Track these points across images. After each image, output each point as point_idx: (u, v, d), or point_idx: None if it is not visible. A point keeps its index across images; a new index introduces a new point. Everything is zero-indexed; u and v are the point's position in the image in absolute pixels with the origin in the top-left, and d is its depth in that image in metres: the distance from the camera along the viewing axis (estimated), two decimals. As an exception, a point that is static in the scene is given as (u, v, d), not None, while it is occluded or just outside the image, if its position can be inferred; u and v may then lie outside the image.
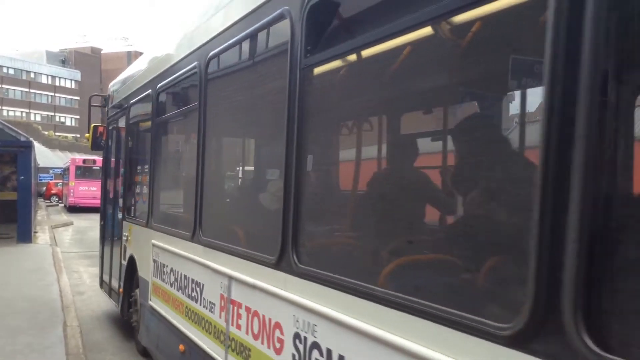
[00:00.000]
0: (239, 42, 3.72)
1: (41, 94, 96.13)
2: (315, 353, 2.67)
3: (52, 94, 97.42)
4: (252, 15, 3.49)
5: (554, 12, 1.56)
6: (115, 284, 7.72)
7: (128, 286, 6.96)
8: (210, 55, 4.15)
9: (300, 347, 2.80)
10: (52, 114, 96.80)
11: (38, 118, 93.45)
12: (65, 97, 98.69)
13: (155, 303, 5.55)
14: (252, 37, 3.56)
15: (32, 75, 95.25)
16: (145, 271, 6.02)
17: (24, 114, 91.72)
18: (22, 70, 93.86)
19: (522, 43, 1.99)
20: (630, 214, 1.63)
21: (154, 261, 5.58)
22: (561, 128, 1.53)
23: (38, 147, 41.78)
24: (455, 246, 2.27)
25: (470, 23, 2.07)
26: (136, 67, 7.09)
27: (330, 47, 2.81)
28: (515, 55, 2.00)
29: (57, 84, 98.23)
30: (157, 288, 5.51)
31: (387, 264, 2.49)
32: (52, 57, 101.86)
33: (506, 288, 1.90)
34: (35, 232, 17.92)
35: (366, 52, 2.63)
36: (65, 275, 10.92)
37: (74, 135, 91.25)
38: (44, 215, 26.93)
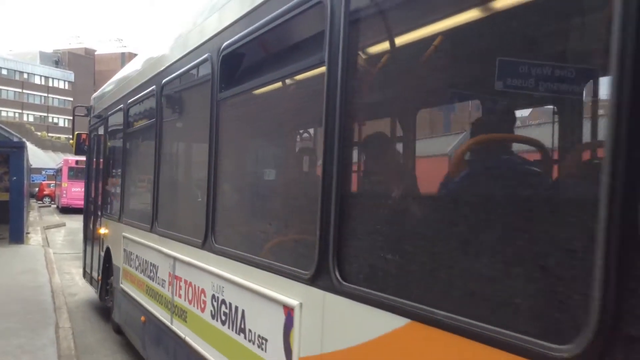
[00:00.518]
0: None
1: (34, 94, 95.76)
2: (223, 307, 3.69)
3: (45, 94, 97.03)
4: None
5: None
6: (95, 273, 8.72)
7: (105, 274, 7.96)
8: (164, 81, 5.19)
9: (215, 304, 3.82)
10: (45, 114, 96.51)
11: (31, 119, 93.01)
12: (58, 98, 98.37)
13: (125, 285, 6.56)
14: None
15: (25, 75, 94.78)
16: (117, 259, 7.03)
17: (16, 115, 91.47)
18: (15, 70, 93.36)
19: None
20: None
21: (124, 250, 6.59)
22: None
23: (31, 147, 41.20)
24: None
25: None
26: (111, 84, 8.10)
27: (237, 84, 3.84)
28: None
29: (51, 84, 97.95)
30: (126, 273, 6.52)
31: (270, 240, 3.52)
32: (45, 58, 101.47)
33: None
34: (28, 233, 17.75)
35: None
36: (58, 277, 10.97)
37: (67, 136, 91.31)
38: (37, 216, 26.78)
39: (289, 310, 2.85)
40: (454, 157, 2.42)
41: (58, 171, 37.81)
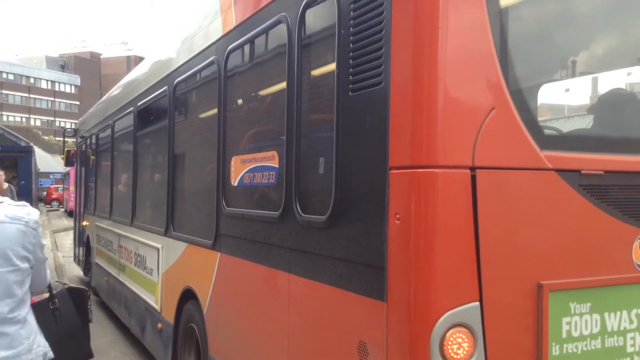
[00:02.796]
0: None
1: (41, 99, 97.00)
2: (138, 258, 6.44)
3: (52, 99, 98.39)
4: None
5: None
6: (81, 256, 11.52)
7: (87, 255, 10.75)
8: (139, 104, 7.94)
9: (135, 257, 6.57)
10: (52, 118, 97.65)
11: (38, 123, 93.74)
12: (65, 102, 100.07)
13: (97, 259, 9.33)
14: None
15: (32, 80, 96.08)
16: (93, 242, 9.80)
17: (24, 119, 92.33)
18: (21, 75, 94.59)
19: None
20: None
21: (96, 235, 9.36)
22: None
23: (38, 152, 41.09)
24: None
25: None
26: (90, 113, 10.89)
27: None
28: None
29: (57, 89, 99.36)
30: (98, 250, 9.28)
31: (154, 217, 6.24)
32: (51, 62, 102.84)
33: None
34: (37, 237, 18.93)
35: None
36: (67, 281, 10.85)
37: (74, 140, 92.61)
38: (45, 220, 26.19)
39: (157, 250, 5.59)
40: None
41: (66, 175, 35.84)
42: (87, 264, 10.83)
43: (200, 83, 4.93)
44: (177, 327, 5.04)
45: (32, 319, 2.54)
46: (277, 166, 3.28)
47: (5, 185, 8.85)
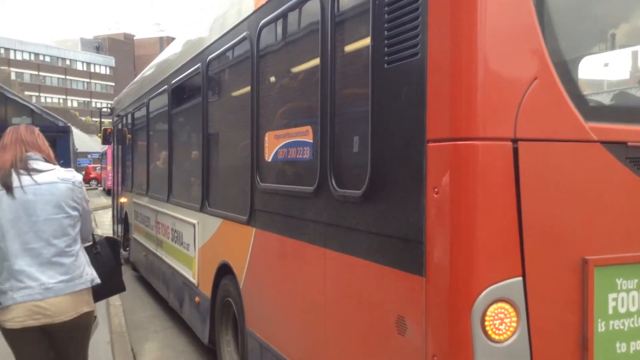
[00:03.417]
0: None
1: (77, 80, 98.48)
2: (175, 233, 6.53)
3: (88, 80, 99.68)
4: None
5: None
6: (120, 233, 11.77)
7: (125, 231, 10.97)
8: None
9: (172, 233, 6.67)
10: (89, 99, 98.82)
11: (75, 104, 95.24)
12: (100, 83, 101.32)
13: (135, 235, 9.52)
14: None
15: (68, 62, 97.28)
16: (131, 219, 10.00)
17: (61, 101, 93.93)
18: (58, 57, 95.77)
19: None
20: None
21: (134, 211, 9.53)
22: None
23: (76, 132, 41.54)
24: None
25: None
26: (125, 92, 11.02)
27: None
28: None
29: (92, 70, 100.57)
30: (136, 226, 9.46)
31: (190, 194, 6.30)
32: (86, 44, 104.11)
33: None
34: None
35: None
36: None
37: (110, 120, 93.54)
38: None
39: (193, 225, 5.66)
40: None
41: (103, 155, 37.61)
42: (125, 239, 11.08)
43: (233, 60, 4.92)
44: (214, 300, 5.11)
45: (82, 255, 3.28)
46: (312, 141, 3.26)
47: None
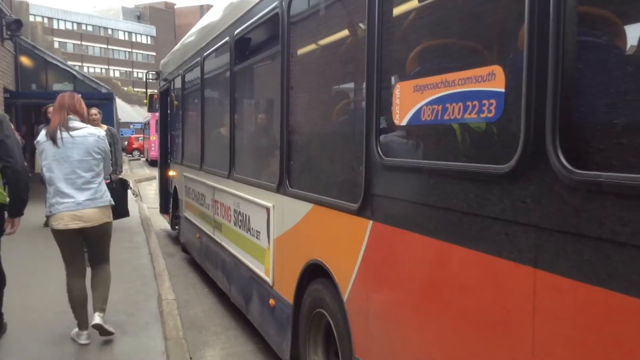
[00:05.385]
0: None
1: (119, 50, 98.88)
2: (239, 217, 5.39)
3: (129, 50, 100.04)
4: None
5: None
6: (169, 208, 10.76)
7: (174, 208, 9.94)
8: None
9: (235, 215, 5.53)
10: (130, 69, 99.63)
11: (117, 74, 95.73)
12: (142, 53, 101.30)
13: (186, 213, 8.45)
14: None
15: (110, 31, 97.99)
16: (181, 194, 8.93)
17: (103, 70, 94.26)
18: (99, 27, 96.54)
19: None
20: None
21: (185, 186, 8.45)
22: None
23: (119, 102, 41.16)
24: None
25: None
26: (174, 53, 9.86)
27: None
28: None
29: (134, 40, 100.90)
30: (187, 203, 8.39)
31: (260, 169, 5.11)
32: (127, 13, 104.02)
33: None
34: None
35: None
36: (154, 236, 9.91)
37: (152, 90, 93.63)
38: (127, 170, 25.57)
39: (267, 209, 4.49)
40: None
41: (146, 125, 37.35)
42: (174, 217, 10.07)
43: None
44: (297, 308, 3.96)
45: (103, 184, 4.80)
46: (503, 90, 1.99)
47: (104, 127, 8.65)
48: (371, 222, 2.90)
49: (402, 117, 2.62)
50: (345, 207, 3.17)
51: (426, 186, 2.43)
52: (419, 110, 2.48)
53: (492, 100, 2.04)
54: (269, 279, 4.51)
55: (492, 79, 2.05)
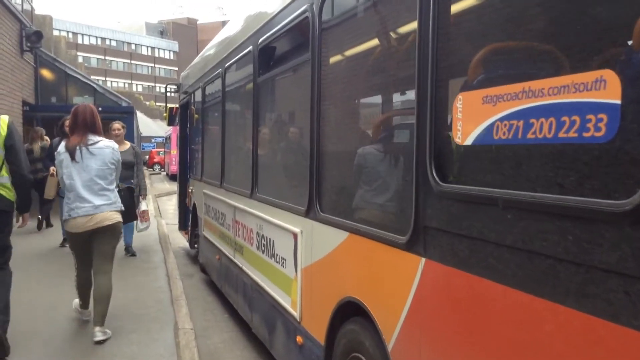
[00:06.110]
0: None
1: (142, 65, 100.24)
2: (262, 240, 4.93)
3: (152, 65, 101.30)
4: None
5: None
6: (188, 226, 10.36)
7: (193, 225, 9.53)
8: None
9: (258, 239, 5.07)
10: (153, 84, 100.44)
11: (140, 89, 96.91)
12: (164, 68, 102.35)
13: (205, 232, 8.02)
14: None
15: (133, 46, 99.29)
16: (200, 212, 8.51)
17: (126, 85, 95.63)
18: (123, 42, 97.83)
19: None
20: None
21: (204, 204, 8.04)
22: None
23: (140, 116, 41.47)
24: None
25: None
26: (195, 65, 9.51)
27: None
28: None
29: (157, 55, 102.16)
30: (206, 222, 7.97)
31: (287, 190, 4.66)
32: (151, 29, 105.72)
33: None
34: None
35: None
36: (172, 255, 9.54)
37: (172, 105, 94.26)
38: (148, 184, 24.19)
39: (294, 235, 4.02)
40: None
41: (167, 139, 37.42)
42: (193, 235, 9.66)
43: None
44: (329, 349, 3.48)
45: (116, 191, 5.48)
46: (618, 101, 1.51)
47: (128, 144, 8.69)
48: (424, 259, 2.42)
49: (466, 134, 2.15)
50: (389, 240, 2.69)
51: (502, 222, 1.94)
52: (491, 126, 2.00)
53: (602, 115, 1.55)
54: (296, 313, 4.03)
55: (601, 87, 1.56)
